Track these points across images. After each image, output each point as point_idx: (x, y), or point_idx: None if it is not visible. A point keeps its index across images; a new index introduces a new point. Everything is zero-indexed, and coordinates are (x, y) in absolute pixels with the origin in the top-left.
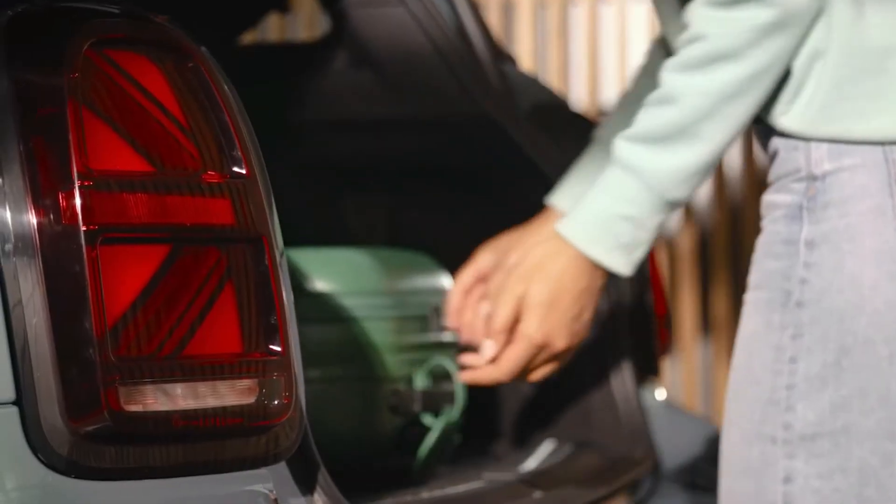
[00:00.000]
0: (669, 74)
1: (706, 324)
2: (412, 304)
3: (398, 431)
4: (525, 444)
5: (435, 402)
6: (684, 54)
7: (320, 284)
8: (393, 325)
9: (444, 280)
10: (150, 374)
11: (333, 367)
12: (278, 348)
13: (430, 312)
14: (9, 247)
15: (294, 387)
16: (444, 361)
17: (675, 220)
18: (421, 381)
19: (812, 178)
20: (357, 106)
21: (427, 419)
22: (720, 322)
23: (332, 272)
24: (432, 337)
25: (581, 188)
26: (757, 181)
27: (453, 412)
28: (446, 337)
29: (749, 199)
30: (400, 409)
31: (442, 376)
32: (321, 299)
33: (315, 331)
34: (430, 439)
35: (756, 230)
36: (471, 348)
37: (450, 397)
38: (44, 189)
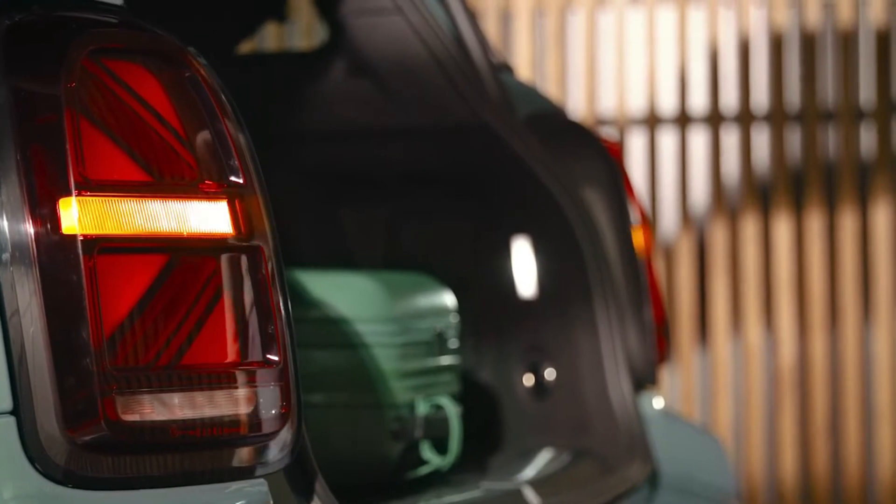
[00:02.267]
0: None
1: (704, 332)
2: (417, 330)
3: (398, 457)
4: (523, 452)
5: (436, 428)
6: None
7: (326, 310)
8: (397, 351)
9: (448, 300)
10: (147, 383)
11: (337, 393)
12: (276, 357)
13: (433, 337)
14: (6, 256)
15: (291, 396)
16: (442, 400)
17: (673, 227)
18: (423, 408)
19: None
20: (354, 115)
21: (426, 452)
22: (718, 330)
23: (337, 298)
24: (436, 362)
25: None
26: (754, 188)
27: (447, 458)
28: (449, 361)
29: (747, 206)
30: (401, 436)
31: (441, 419)
32: (327, 325)
33: (320, 356)
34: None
35: (755, 237)
36: None
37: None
38: (41, 198)
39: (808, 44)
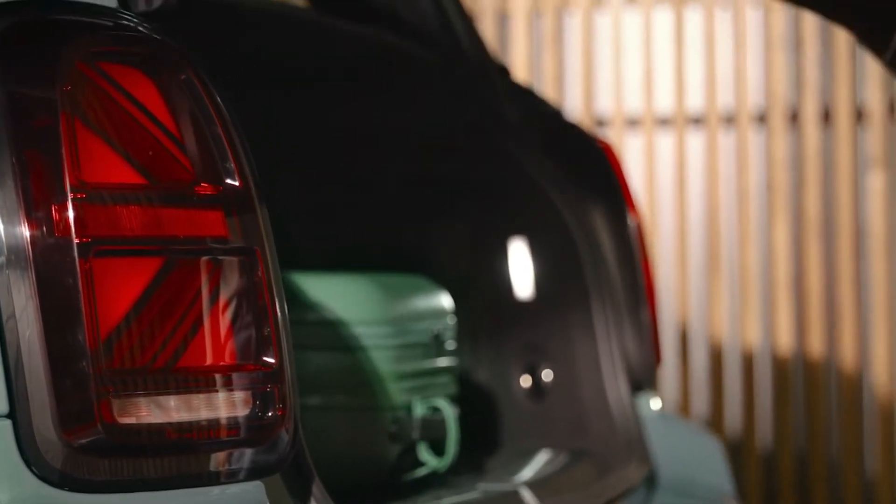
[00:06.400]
0: None
1: (706, 332)
2: (413, 332)
3: (396, 459)
4: (520, 453)
5: (433, 430)
6: None
7: (322, 313)
8: (394, 353)
9: (445, 302)
10: (143, 386)
11: (334, 395)
12: (272, 360)
13: (430, 339)
14: (2, 259)
15: (288, 398)
16: (439, 402)
17: (671, 228)
18: (420, 410)
19: None
20: (352, 117)
21: (423, 454)
22: (720, 331)
23: (334, 300)
24: (433, 363)
25: None
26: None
27: (444, 460)
28: (446, 363)
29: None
30: (398, 438)
31: (438, 420)
32: (323, 328)
33: (316, 358)
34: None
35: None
36: None
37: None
38: (37, 202)
39: (802, 46)
